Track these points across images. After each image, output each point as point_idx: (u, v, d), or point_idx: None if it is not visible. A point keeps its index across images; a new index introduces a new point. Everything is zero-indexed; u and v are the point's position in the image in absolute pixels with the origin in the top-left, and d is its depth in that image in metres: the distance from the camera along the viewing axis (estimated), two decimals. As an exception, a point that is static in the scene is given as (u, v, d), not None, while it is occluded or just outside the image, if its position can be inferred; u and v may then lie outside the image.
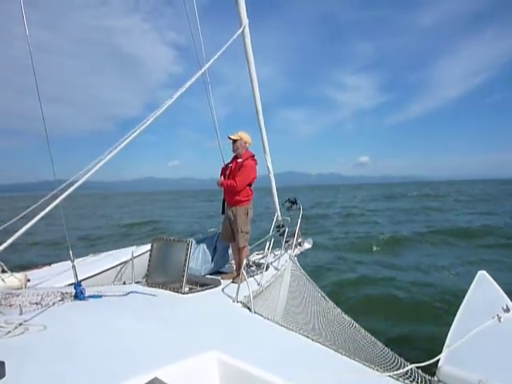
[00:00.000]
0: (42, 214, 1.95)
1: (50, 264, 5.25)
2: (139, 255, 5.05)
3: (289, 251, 5.55)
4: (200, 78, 3.78)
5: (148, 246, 5.13)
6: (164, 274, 4.07)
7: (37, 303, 3.03)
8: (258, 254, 5.72)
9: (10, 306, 2.97)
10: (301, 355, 2.60)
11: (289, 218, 5.94)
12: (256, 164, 4.91)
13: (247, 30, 5.09)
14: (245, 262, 4.33)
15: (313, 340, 2.87)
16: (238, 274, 4.50)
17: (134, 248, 5.30)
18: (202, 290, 4.02)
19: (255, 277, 4.42)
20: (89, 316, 2.99)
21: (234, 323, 3.20)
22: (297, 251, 5.84)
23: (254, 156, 4.92)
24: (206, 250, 4.98)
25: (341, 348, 2.78)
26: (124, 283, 4.46)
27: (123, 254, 5.44)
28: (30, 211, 4.13)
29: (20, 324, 2.60)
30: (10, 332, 2.49)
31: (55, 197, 3.72)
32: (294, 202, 5.92)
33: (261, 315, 3.37)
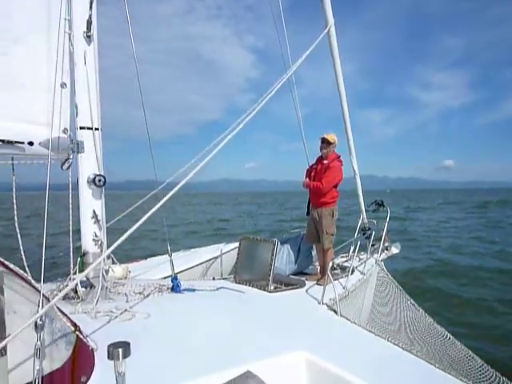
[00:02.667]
0: (151, 212, 2.15)
1: (146, 258, 5.72)
2: (226, 252, 5.28)
3: (375, 255, 5.40)
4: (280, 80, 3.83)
5: (234, 244, 5.35)
6: (251, 271, 4.22)
7: (140, 293, 3.34)
8: (342, 257, 5.64)
9: (118, 293, 3.30)
10: (391, 364, 2.54)
11: (375, 221, 5.78)
12: (342, 165, 4.86)
13: (333, 30, 5.04)
14: (330, 264, 4.31)
15: (403, 349, 2.78)
16: (323, 276, 4.50)
17: (222, 245, 5.56)
18: (288, 290, 4.09)
19: (340, 280, 4.38)
20: (185, 308, 3.22)
21: (320, 325, 3.21)
22: (383, 256, 5.65)
23: (339, 157, 4.87)
24: (291, 250, 5.04)
25: (433, 360, 2.65)
26: (213, 278, 4.70)
27: (210, 250, 5.73)
28: (129, 210, 4.58)
29: (127, 310, 2.89)
30: (117, 317, 2.79)
31: (156, 196, 4.06)
32: (380, 205, 5.74)
33: (347, 319, 3.34)
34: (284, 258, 4.93)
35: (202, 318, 2.98)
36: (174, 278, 3.60)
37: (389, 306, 4.27)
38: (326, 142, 4.76)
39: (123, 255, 4.94)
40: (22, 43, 2.91)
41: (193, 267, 5.09)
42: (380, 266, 5.10)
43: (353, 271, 4.65)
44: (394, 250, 6.12)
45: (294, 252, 5.07)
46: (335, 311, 3.45)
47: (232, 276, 4.50)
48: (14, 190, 2.78)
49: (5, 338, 1.86)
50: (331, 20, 4.88)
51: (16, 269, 2.10)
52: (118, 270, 3.83)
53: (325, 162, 4.77)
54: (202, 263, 5.28)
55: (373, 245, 5.51)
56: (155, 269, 4.79)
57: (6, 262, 2.09)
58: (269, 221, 27.17)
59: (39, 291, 2.03)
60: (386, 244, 5.86)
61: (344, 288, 4.12)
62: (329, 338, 2.89)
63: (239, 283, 4.14)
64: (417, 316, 3.91)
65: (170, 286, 3.59)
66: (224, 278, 4.63)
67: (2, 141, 2.71)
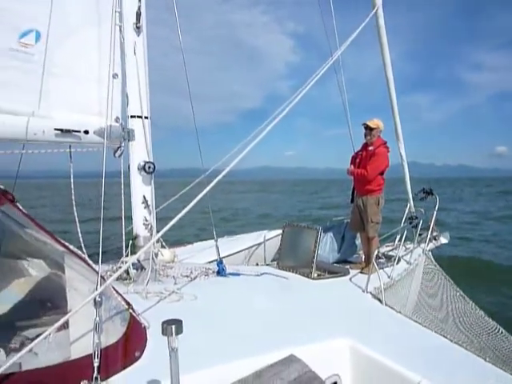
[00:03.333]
0: (199, 197, 2.21)
1: (192, 243, 5.90)
2: (269, 239, 5.34)
3: (422, 245, 5.24)
4: (319, 66, 3.75)
5: (277, 231, 5.39)
6: (294, 258, 4.24)
7: (187, 276, 3.47)
8: (387, 246, 5.53)
9: (167, 276, 3.45)
10: (439, 355, 2.49)
11: (423, 210, 5.60)
12: (388, 151, 4.73)
13: (381, 11, 4.87)
14: (375, 253, 4.25)
15: (451, 341, 2.71)
16: (367, 265, 4.45)
17: (265, 232, 5.63)
18: (331, 278, 4.09)
19: (385, 269, 4.31)
20: (231, 291, 3.32)
21: (364, 313, 3.20)
22: (431, 245, 5.48)
23: (386, 143, 4.74)
24: (334, 238, 5.02)
25: (483, 354, 2.57)
26: (256, 264, 4.78)
27: (254, 237, 5.81)
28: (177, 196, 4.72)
29: (175, 292, 3.02)
30: (166, 298, 2.92)
31: (200, 183, 4.17)
32: (429, 193, 5.54)
33: (392, 308, 3.30)
34: (327, 246, 4.92)
35: (247, 302, 3.06)
36: (220, 262, 3.70)
37: (436, 297, 4.15)
38: (368, 129, 4.64)
39: (170, 240, 5.12)
40: (77, 36, 3.06)
41: (236, 253, 5.19)
42: (427, 256, 4.96)
43: (399, 261, 4.56)
44: (443, 240, 5.92)
45: (337, 240, 5.04)
46: (380, 300, 3.42)
47: (275, 262, 4.55)
48: (71, 176, 2.96)
49: (66, 312, 2.01)
50: (379, 0, 4.72)
51: (75, 250, 2.25)
52: (166, 253, 3.99)
53: (370, 148, 4.66)
54: (245, 249, 5.37)
55: (420, 234, 5.36)
56: (201, 253, 4.94)
57: (67, 244, 2.25)
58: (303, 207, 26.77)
59: (96, 271, 2.18)
60: (434, 233, 5.67)
61: (389, 277, 4.05)
62: (373, 327, 2.87)
63: (282, 269, 4.19)
64: (466, 308, 3.79)
65: (216, 269, 3.69)
66: (267, 264, 4.69)
67: (61, 130, 2.89)
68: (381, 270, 4.04)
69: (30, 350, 1.70)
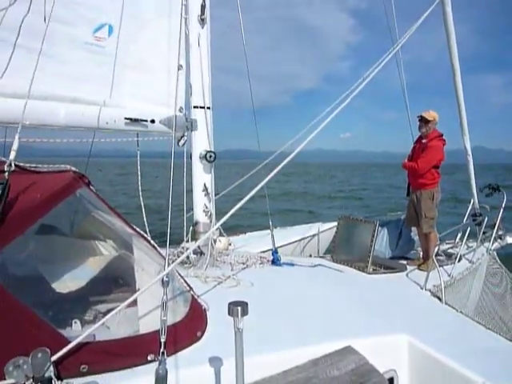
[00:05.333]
0: (261, 184, 2.25)
1: (245, 232, 6.00)
2: (324, 231, 5.31)
3: (486, 244, 4.96)
4: (380, 46, 3.62)
5: (332, 224, 5.34)
6: (349, 252, 4.19)
7: (243, 263, 3.55)
8: (447, 243, 5.29)
9: (224, 262, 3.55)
10: (503, 359, 2.37)
11: (488, 207, 5.28)
12: (444, 144, 4.50)
13: (448, -4, 4.61)
14: (435, 249, 4.09)
15: None
16: (425, 261, 4.30)
17: (319, 224, 5.60)
18: (388, 273, 4.00)
19: (445, 267, 4.14)
20: (286, 280, 3.36)
21: (423, 311, 3.11)
22: (496, 245, 5.16)
23: (441, 135, 4.51)
24: (391, 232, 4.89)
25: None
26: (310, 256, 4.77)
27: (308, 228, 5.80)
28: (236, 184, 4.82)
29: (233, 278, 3.11)
30: (223, 283, 3.02)
31: (264, 167, 4.21)
32: (495, 189, 5.21)
33: (453, 308, 3.18)
34: (384, 241, 4.81)
35: (302, 291, 3.08)
36: (275, 252, 3.75)
37: (502, 299, 3.93)
38: (423, 121, 4.44)
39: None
40: (146, 29, 3.20)
41: (290, 243, 5.21)
42: (492, 256, 4.68)
43: (460, 259, 4.36)
44: (510, 239, 5.55)
45: (394, 235, 4.91)
46: (439, 298, 3.31)
47: (329, 255, 4.52)
48: (138, 163, 3.13)
49: (135, 290, 2.14)
50: (446, -16, 4.46)
51: (142, 233, 2.39)
52: (222, 241, 4.09)
53: (423, 141, 4.47)
54: (299, 240, 5.38)
55: (484, 232, 5.06)
56: (254, 243, 5.01)
57: (134, 227, 2.39)
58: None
59: (161, 254, 2.30)
60: (500, 232, 5.33)
61: (450, 275, 3.89)
62: (432, 325, 2.78)
63: (337, 262, 4.15)
64: (536, 313, 3.55)
65: (271, 259, 3.74)
66: (321, 257, 4.67)
67: (130, 119, 3.05)
68: (440, 268, 3.89)
69: (103, 323, 1.84)
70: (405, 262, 4.56)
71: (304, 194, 27.80)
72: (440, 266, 3.91)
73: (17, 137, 1.96)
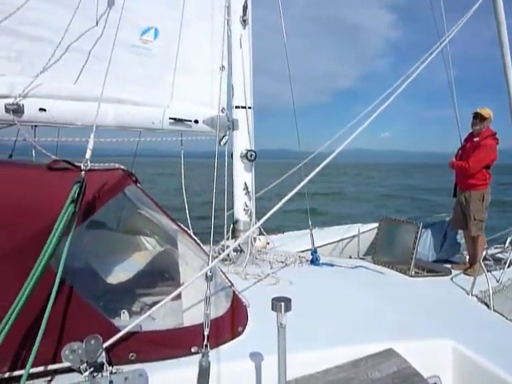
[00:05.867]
0: (302, 184, 2.26)
1: (283, 232, 6.01)
2: (363, 232, 5.23)
3: None
4: (422, 42, 3.51)
5: (373, 225, 5.25)
6: (391, 254, 4.10)
7: (282, 262, 3.57)
8: (496, 248, 5.06)
9: (263, 261, 3.59)
10: None
11: None
12: (497, 143, 4.29)
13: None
14: (483, 253, 3.93)
15: None
16: (472, 266, 4.13)
17: (359, 225, 5.51)
18: (431, 276, 3.88)
19: (493, 272, 3.96)
20: (326, 280, 3.34)
21: (469, 316, 2.99)
22: None
23: (495, 134, 4.30)
24: (435, 235, 4.74)
25: None
26: (349, 257, 4.71)
27: (346, 230, 5.72)
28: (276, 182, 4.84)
29: (272, 276, 3.13)
30: (263, 280, 3.05)
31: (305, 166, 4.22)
32: None
33: (502, 315, 3.04)
34: (427, 243, 4.67)
35: (342, 292, 3.05)
36: (314, 252, 3.74)
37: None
38: (479, 118, 4.24)
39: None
40: (191, 31, 3.30)
41: (329, 244, 5.17)
42: None
43: (510, 264, 4.15)
44: None
45: (438, 237, 4.75)
46: (487, 305, 3.17)
47: (369, 256, 4.45)
48: (182, 162, 3.23)
49: (179, 284, 2.21)
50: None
51: (186, 229, 2.46)
52: (261, 239, 4.13)
53: (475, 139, 4.26)
54: (338, 241, 5.33)
55: None
56: (292, 242, 5.01)
57: (179, 223, 2.46)
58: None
59: (204, 250, 2.36)
60: None
61: (498, 281, 3.72)
62: (480, 332, 2.68)
63: (378, 264, 4.08)
64: None
65: (310, 258, 3.74)
66: (361, 258, 4.61)
67: (174, 119, 3.15)
68: (488, 273, 3.73)
69: (149, 315, 1.92)
70: (449, 265, 4.41)
71: (338, 194, 27.44)
72: (488, 270, 3.75)
73: (92, 136, 2.08)
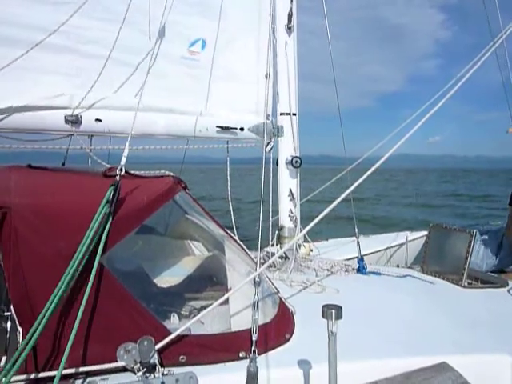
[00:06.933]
0: (349, 191, 2.23)
1: (327, 239, 5.93)
2: (412, 240, 5.06)
3: None
4: (473, 42, 3.34)
5: (422, 233, 5.07)
6: (441, 263, 3.93)
7: (328, 269, 3.52)
8: None
9: (308, 268, 3.56)
10: None
11: None
12: None
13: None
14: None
15: None
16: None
17: (407, 233, 5.34)
18: (486, 287, 3.68)
19: None
20: (373, 290, 3.26)
21: None
22: None
23: None
24: (490, 244, 4.50)
25: None
26: (397, 266, 4.57)
27: (392, 237, 5.56)
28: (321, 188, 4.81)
29: (318, 284, 3.10)
30: (307, 288, 3.02)
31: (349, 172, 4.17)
32: None
33: None
34: (481, 252, 4.44)
35: (392, 302, 2.96)
36: (361, 260, 3.66)
37: None
38: None
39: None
40: (237, 41, 3.38)
41: (376, 252, 5.05)
42: None
43: None
44: None
45: (493, 246, 4.51)
46: None
47: (418, 265, 4.29)
48: (228, 169, 3.29)
49: (227, 289, 2.25)
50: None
51: (233, 235, 2.49)
52: (305, 246, 4.10)
53: None
54: (385, 249, 5.19)
55: None
56: (336, 250, 4.94)
57: (225, 229, 2.51)
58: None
59: (250, 256, 2.38)
60: None
61: None
62: None
63: (427, 274, 3.92)
64: None
65: (356, 267, 3.66)
66: (409, 267, 4.45)
67: (221, 127, 3.23)
68: None
69: (198, 319, 1.96)
70: (503, 276, 4.17)
71: (385, 199, 26.74)
72: None
73: (127, 144, 2.18)
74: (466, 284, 3.66)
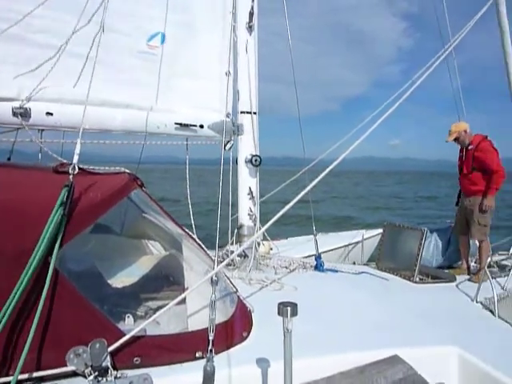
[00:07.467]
0: (306, 190, 2.26)
1: (286, 237, 5.99)
2: (367, 238, 5.21)
3: None
4: (433, 49, 3.51)
5: (376, 231, 5.24)
6: (395, 260, 4.09)
7: (286, 267, 3.56)
8: (500, 255, 5.03)
9: (267, 266, 3.58)
10: None
11: None
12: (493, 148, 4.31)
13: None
14: (487, 260, 3.91)
15: None
16: (477, 272, 4.11)
17: (363, 231, 5.50)
18: (435, 283, 3.86)
19: (498, 279, 3.94)
20: (330, 286, 3.33)
21: (474, 323, 2.97)
22: None
23: (486, 137, 4.33)
24: (439, 241, 4.72)
25: None
26: (353, 263, 4.70)
27: (349, 235, 5.72)
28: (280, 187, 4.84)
29: (276, 282, 3.12)
30: (269, 286, 3.04)
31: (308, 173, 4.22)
32: None
33: (507, 322, 3.01)
34: (431, 249, 4.65)
35: (346, 298, 3.04)
36: (318, 257, 3.72)
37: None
38: (454, 140, 4.38)
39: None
40: (197, 37, 3.33)
41: (333, 250, 5.16)
42: None
43: None
44: None
45: (442, 243, 4.74)
46: (492, 312, 3.15)
47: (373, 263, 4.43)
48: (187, 166, 3.24)
49: (184, 288, 2.21)
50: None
51: (191, 234, 2.46)
52: (265, 244, 4.13)
53: (470, 147, 4.28)
54: (342, 247, 5.31)
55: None
56: (295, 248, 5.00)
57: (183, 227, 2.46)
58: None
59: (208, 254, 2.36)
60: None
61: (503, 288, 3.70)
62: (485, 339, 2.66)
63: (382, 270, 4.06)
64: None
65: (314, 264, 3.72)
66: (365, 264, 4.59)
67: (180, 124, 3.17)
68: (493, 280, 3.71)
69: (154, 319, 1.92)
70: (446, 270, 4.41)
71: (343, 200, 27.44)
72: (493, 277, 3.73)
73: (79, 141, 2.08)
74: (417, 280, 3.83)
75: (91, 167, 2.37)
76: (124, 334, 1.76)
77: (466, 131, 4.35)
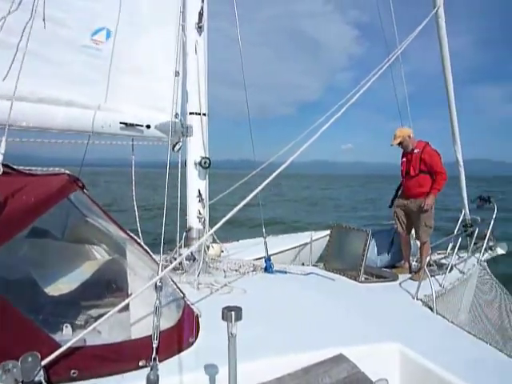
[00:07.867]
0: (255, 192, 2.25)
1: (237, 240, 5.96)
2: (316, 240, 5.31)
3: (477, 255, 5.01)
4: (383, 58, 3.67)
5: (325, 232, 5.35)
6: (342, 260, 4.20)
7: (236, 270, 3.54)
8: (439, 254, 5.33)
9: (216, 269, 3.54)
10: (494, 368, 2.38)
11: (478, 218, 5.34)
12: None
13: (442, 10, 4.70)
14: (427, 259, 4.12)
15: (508, 356, 2.58)
16: (418, 271, 4.32)
17: (312, 233, 5.60)
18: (379, 282, 4.01)
19: (436, 277, 4.16)
20: (278, 288, 3.35)
21: (415, 320, 3.12)
22: (487, 256, 5.21)
23: (428, 143, 4.58)
24: (383, 241, 4.91)
25: None
26: (302, 264, 4.77)
27: (300, 237, 5.79)
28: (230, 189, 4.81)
29: (225, 285, 3.09)
30: (218, 290, 3.00)
31: (255, 176, 4.22)
32: (486, 200, 5.27)
33: (444, 317, 3.19)
34: (376, 250, 4.82)
35: (295, 299, 3.07)
36: (268, 259, 3.74)
37: (492, 309, 3.96)
38: (399, 145, 4.58)
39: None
40: (144, 35, 3.22)
41: (282, 252, 5.20)
42: (482, 267, 4.73)
43: (451, 269, 4.39)
44: (500, 250, 5.60)
45: (386, 244, 4.93)
46: (431, 308, 3.32)
47: (321, 263, 4.52)
48: (133, 167, 3.12)
49: (127, 295, 2.12)
50: (440, 0, 4.56)
51: (135, 238, 2.37)
52: (215, 247, 4.08)
53: (416, 150, 4.49)
54: (291, 249, 5.37)
55: (475, 243, 5.11)
56: (247, 250, 4.99)
57: (128, 231, 2.37)
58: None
59: (154, 259, 2.28)
60: (491, 243, 5.39)
61: (441, 286, 3.92)
62: (425, 335, 2.79)
63: (329, 271, 4.16)
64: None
65: (263, 266, 3.74)
66: (313, 265, 4.68)
67: (125, 124, 3.05)
68: (432, 278, 3.92)
69: (94, 328, 1.82)
70: (390, 270, 4.60)
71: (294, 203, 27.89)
72: (432, 276, 3.93)
73: (4, 139, 1.94)
74: (362, 279, 3.96)
75: (27, 168, 2.22)
76: (60, 346, 1.66)
77: (410, 136, 4.56)
